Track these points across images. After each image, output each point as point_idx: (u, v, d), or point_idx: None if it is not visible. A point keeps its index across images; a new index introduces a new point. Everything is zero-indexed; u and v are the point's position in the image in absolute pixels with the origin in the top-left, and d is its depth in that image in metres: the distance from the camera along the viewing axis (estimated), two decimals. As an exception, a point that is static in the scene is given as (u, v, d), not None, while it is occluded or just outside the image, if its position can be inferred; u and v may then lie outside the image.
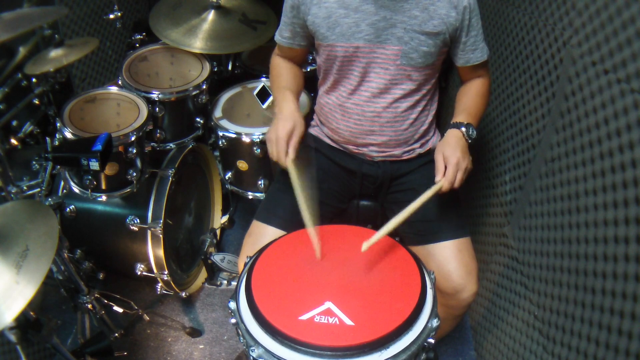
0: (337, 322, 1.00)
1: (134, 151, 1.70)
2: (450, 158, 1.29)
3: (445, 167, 1.29)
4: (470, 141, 1.36)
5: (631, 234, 0.98)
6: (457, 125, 1.37)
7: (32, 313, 1.25)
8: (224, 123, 1.97)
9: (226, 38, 2.05)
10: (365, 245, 1.15)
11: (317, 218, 1.23)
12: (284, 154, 1.32)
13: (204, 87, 1.98)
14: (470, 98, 1.47)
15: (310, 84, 1.78)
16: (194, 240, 2.18)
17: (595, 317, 1.09)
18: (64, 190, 1.81)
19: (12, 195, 1.50)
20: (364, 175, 1.55)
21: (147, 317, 1.95)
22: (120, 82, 1.92)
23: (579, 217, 1.18)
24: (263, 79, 2.15)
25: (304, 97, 2.05)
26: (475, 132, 1.37)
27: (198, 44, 1.98)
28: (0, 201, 1.52)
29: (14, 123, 1.83)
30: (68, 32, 2.22)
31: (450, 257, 1.41)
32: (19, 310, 0.99)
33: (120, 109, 1.86)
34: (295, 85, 1.53)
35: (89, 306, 1.69)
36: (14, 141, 1.79)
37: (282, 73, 1.56)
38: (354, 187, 1.59)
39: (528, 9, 1.55)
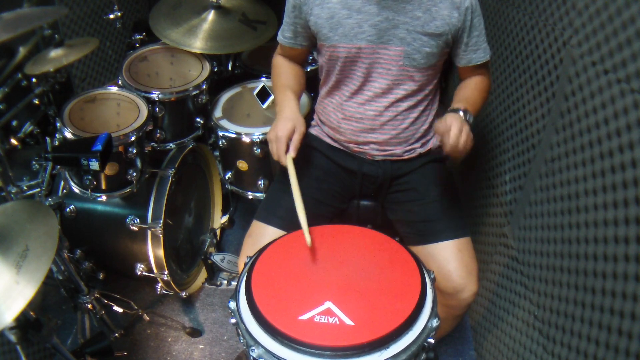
0: (337, 322, 1.00)
1: (134, 151, 1.70)
2: (453, 121, 1.25)
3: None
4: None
5: (631, 234, 0.98)
6: (455, 110, 1.34)
7: (32, 313, 1.25)
8: (224, 123, 1.97)
9: (226, 38, 2.05)
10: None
11: (314, 219, 1.23)
12: (284, 152, 1.33)
13: (204, 87, 1.98)
14: (468, 90, 1.46)
15: (310, 84, 1.78)
16: (194, 240, 2.18)
17: (595, 317, 1.09)
18: (64, 190, 1.81)
19: (12, 195, 1.50)
20: (365, 175, 1.55)
21: (147, 317, 1.95)
22: (120, 82, 1.92)
23: (579, 217, 1.18)
24: (263, 79, 2.15)
25: (304, 97, 2.05)
26: (472, 118, 1.35)
27: (198, 44, 1.99)
28: (0, 201, 1.52)
29: (14, 123, 1.83)
30: (68, 32, 2.22)
31: (450, 257, 1.41)
32: (19, 310, 0.99)
33: (120, 109, 1.86)
34: (296, 84, 1.53)
35: (89, 306, 1.69)
36: (14, 141, 1.79)
37: (284, 72, 1.56)
38: (354, 187, 1.59)
39: (528, 9, 1.55)
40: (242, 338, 1.03)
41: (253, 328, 1.02)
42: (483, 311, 1.83)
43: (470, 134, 1.29)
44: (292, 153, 1.34)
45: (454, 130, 1.25)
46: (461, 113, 1.34)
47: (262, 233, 1.46)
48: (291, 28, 1.48)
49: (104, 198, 1.74)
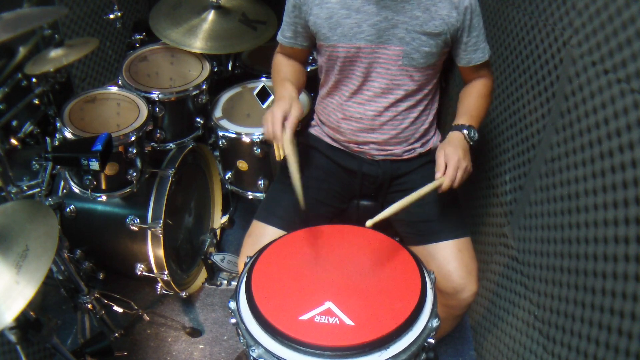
0: (337, 322, 1.00)
1: (134, 151, 1.70)
2: (451, 157, 1.29)
3: (446, 166, 1.29)
4: (472, 143, 1.37)
5: (631, 234, 0.98)
6: (459, 128, 1.38)
7: (32, 313, 1.25)
8: (224, 123, 1.97)
9: (226, 38, 2.05)
10: (369, 222, 1.14)
11: (314, 219, 1.23)
12: (280, 131, 1.28)
13: (204, 87, 1.98)
14: (472, 99, 1.47)
15: (310, 84, 1.78)
16: (194, 240, 2.18)
17: (595, 317, 1.09)
18: (64, 190, 1.81)
19: (12, 195, 1.50)
20: (365, 175, 1.55)
21: (147, 317, 1.95)
22: (120, 82, 1.92)
23: (579, 217, 1.18)
24: (263, 79, 2.15)
25: (304, 97, 2.06)
26: (477, 135, 1.38)
27: (198, 44, 1.99)
28: (0, 201, 1.52)
29: (14, 123, 1.83)
30: (68, 32, 2.22)
31: (450, 257, 1.41)
32: (19, 310, 0.99)
33: (120, 109, 1.86)
34: (296, 79, 1.52)
35: (89, 306, 1.69)
36: (14, 141, 1.79)
37: (283, 70, 1.56)
38: (354, 187, 1.59)
39: (528, 9, 1.55)
40: (242, 338, 1.03)
41: (253, 328, 1.02)
42: (483, 311, 1.83)
43: (469, 166, 1.31)
44: (287, 133, 1.29)
45: (451, 169, 1.27)
46: (465, 132, 1.36)
47: (262, 233, 1.46)
48: (291, 28, 1.48)
49: (104, 198, 1.74)
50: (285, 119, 1.31)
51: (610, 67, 1.08)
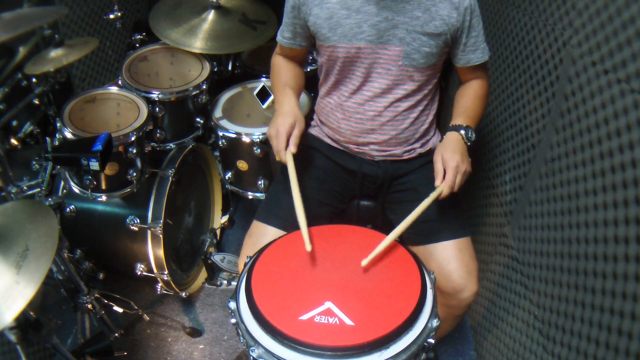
0: (337, 322, 1.00)
1: (134, 151, 1.70)
2: (449, 161, 1.29)
3: (445, 171, 1.29)
4: (469, 144, 1.37)
5: (631, 234, 0.98)
6: (457, 128, 1.38)
7: (32, 313, 1.25)
8: (224, 123, 1.97)
9: (226, 38, 2.05)
10: (365, 261, 1.14)
11: (314, 219, 1.22)
12: (284, 148, 1.33)
13: (204, 87, 1.98)
14: (468, 100, 1.47)
15: (310, 84, 1.78)
16: (194, 240, 2.18)
17: (595, 317, 1.09)
18: (64, 190, 1.81)
19: (12, 195, 1.50)
20: (364, 175, 1.55)
21: (147, 317, 1.95)
22: (120, 82, 1.92)
23: (579, 217, 1.18)
24: (263, 79, 2.15)
25: (304, 97, 2.06)
26: (474, 135, 1.38)
27: (198, 44, 1.99)
28: (0, 201, 1.52)
29: (14, 123, 1.83)
30: (68, 32, 2.22)
31: (450, 257, 1.41)
32: (19, 310, 0.99)
33: (120, 109, 1.86)
34: (295, 83, 1.53)
35: (89, 306, 1.69)
36: (14, 141, 1.79)
37: (283, 72, 1.56)
38: (354, 187, 1.59)
39: (528, 9, 1.55)
40: (242, 338, 1.03)
41: (253, 328, 1.02)
42: (483, 311, 1.83)
43: (468, 168, 1.32)
44: (292, 148, 1.34)
45: (450, 174, 1.28)
46: (462, 132, 1.36)
47: (262, 233, 1.46)
48: (290, 28, 1.48)
49: (104, 198, 1.74)
50: (289, 135, 1.34)
51: (610, 67, 1.08)
